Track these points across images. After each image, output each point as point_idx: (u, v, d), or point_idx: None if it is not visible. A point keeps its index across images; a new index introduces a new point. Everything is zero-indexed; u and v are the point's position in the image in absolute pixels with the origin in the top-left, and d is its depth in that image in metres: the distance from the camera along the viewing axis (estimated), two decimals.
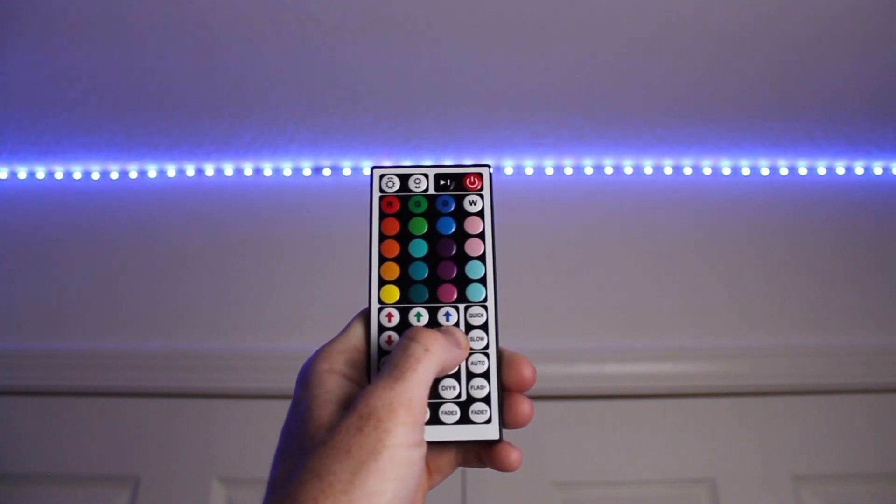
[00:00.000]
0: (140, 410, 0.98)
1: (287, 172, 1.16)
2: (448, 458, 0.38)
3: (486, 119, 1.07)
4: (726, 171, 1.17)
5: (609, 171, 1.17)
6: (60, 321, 1.05)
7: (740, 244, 1.10)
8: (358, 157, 1.15)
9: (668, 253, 1.10)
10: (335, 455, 0.30)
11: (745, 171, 1.17)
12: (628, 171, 1.17)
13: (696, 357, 1.00)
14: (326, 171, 1.16)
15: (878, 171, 1.17)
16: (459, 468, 0.39)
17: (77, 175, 1.17)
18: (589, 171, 1.17)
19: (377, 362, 0.36)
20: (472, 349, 0.36)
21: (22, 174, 1.17)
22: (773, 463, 0.94)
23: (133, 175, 1.17)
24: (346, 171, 1.16)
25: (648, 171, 1.17)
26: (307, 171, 1.16)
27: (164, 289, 1.07)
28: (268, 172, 1.16)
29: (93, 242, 1.11)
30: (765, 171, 1.17)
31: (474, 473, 0.92)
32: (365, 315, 0.38)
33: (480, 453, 0.37)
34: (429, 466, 0.37)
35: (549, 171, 1.17)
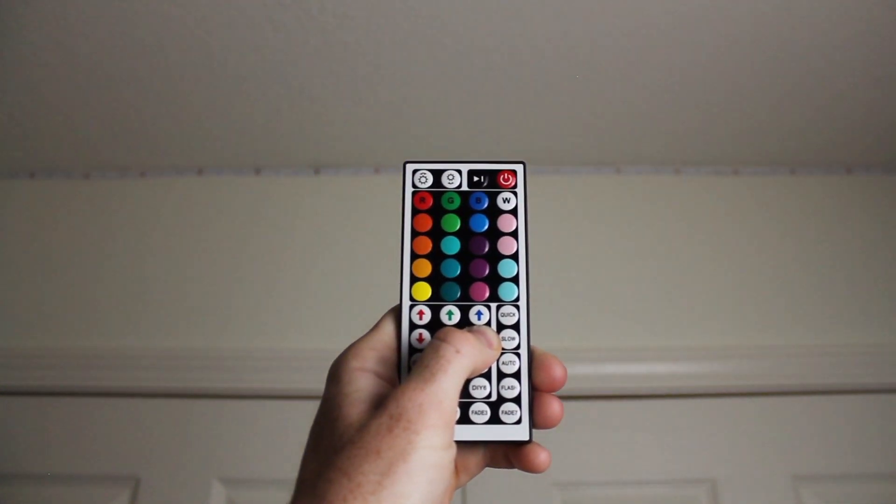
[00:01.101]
0: (140, 410, 0.97)
1: (286, 171, 1.16)
2: (476, 458, 0.38)
3: (488, 120, 1.07)
4: (727, 170, 1.17)
5: (609, 169, 1.17)
6: (60, 321, 1.05)
7: (744, 243, 1.10)
8: (357, 159, 1.15)
9: (669, 253, 1.10)
10: (364, 455, 0.30)
11: (747, 170, 1.17)
12: (629, 169, 1.17)
13: (697, 357, 1.00)
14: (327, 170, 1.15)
15: (878, 170, 1.17)
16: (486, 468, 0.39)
17: (77, 173, 1.17)
18: (588, 169, 1.17)
19: (408, 360, 0.36)
20: (503, 349, 0.36)
21: (21, 173, 1.17)
22: (774, 463, 0.94)
23: (132, 174, 1.17)
24: (357, 171, 1.16)
25: (649, 169, 1.17)
26: (312, 171, 1.16)
27: (165, 288, 1.07)
28: (269, 171, 1.16)
29: (93, 241, 1.11)
30: (766, 170, 1.17)
31: None
32: (396, 312, 0.37)
33: (509, 454, 0.37)
34: (457, 466, 0.37)
35: (549, 170, 1.17)
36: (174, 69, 0.95)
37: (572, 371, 1.14)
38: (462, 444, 0.35)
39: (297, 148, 1.12)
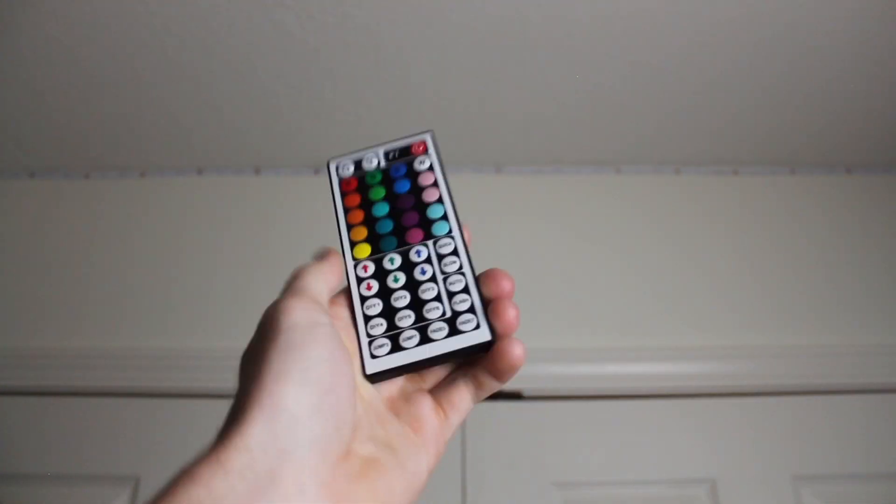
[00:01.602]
0: (140, 410, 0.97)
1: (286, 171, 1.16)
2: (458, 390, 0.37)
3: (488, 120, 1.07)
4: (727, 170, 1.17)
5: (608, 170, 1.17)
6: (60, 320, 1.05)
7: (744, 243, 1.10)
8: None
9: (669, 253, 1.10)
10: (244, 358, 0.33)
11: (747, 170, 1.17)
12: (629, 169, 1.17)
13: (696, 357, 1.00)
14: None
15: (878, 170, 1.17)
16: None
17: (77, 173, 1.17)
18: (588, 169, 1.17)
19: (361, 309, 0.38)
20: (446, 272, 0.38)
21: (21, 173, 1.17)
22: (774, 463, 0.95)
23: (132, 174, 1.17)
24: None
25: (649, 169, 1.17)
26: (306, 171, 1.16)
27: (165, 288, 1.07)
28: (269, 171, 1.16)
29: (93, 241, 1.11)
30: (766, 170, 1.17)
31: (474, 473, 0.92)
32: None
33: (488, 366, 0.36)
34: (442, 407, 0.37)
35: (550, 170, 1.17)
36: (174, 69, 0.95)
37: (572, 371, 1.14)
38: (437, 376, 0.38)
39: (297, 148, 1.12)
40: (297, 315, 0.33)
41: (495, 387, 0.37)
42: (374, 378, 0.36)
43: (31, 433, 0.97)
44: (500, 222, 1.10)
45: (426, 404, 0.36)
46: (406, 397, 0.37)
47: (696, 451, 0.96)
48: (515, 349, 0.35)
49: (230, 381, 1.12)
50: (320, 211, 1.12)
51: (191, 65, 0.94)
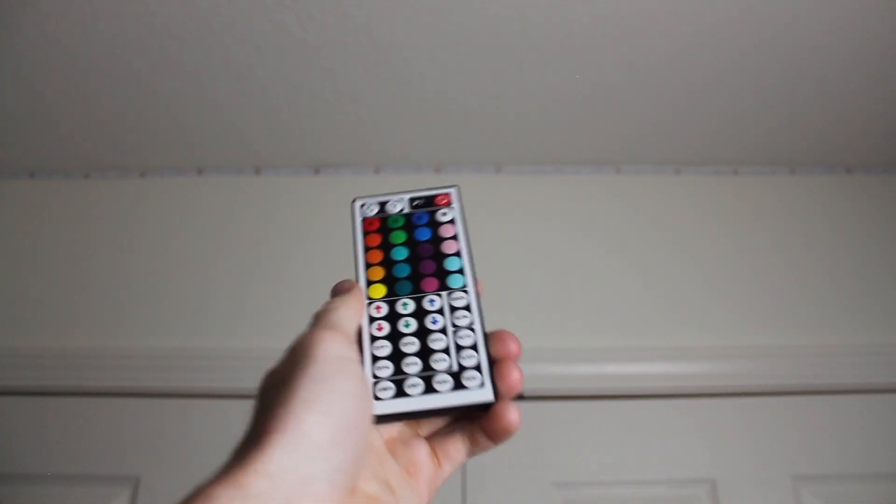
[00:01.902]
0: (141, 410, 0.97)
1: (285, 171, 1.16)
2: (454, 442, 0.38)
3: (488, 121, 1.07)
4: (727, 171, 1.17)
5: (608, 169, 1.17)
6: (60, 320, 1.05)
7: (744, 243, 1.11)
8: (357, 159, 1.15)
9: (669, 252, 1.10)
10: (272, 383, 0.33)
11: (747, 170, 1.17)
12: (629, 169, 1.17)
13: (696, 357, 1.00)
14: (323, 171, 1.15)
15: (878, 170, 1.17)
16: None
17: (76, 173, 1.17)
18: (588, 169, 1.17)
19: (370, 348, 0.39)
20: (457, 326, 0.39)
21: (21, 173, 1.17)
22: (773, 463, 0.95)
23: (132, 174, 1.17)
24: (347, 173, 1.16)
25: (649, 169, 1.17)
26: (306, 171, 1.16)
27: (166, 288, 1.07)
28: (269, 171, 1.16)
29: (93, 241, 1.11)
30: (766, 170, 1.17)
31: (474, 473, 0.92)
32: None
33: (484, 426, 0.37)
34: (437, 455, 0.38)
35: (550, 170, 1.17)
36: (174, 69, 0.95)
37: (572, 371, 1.14)
38: (436, 429, 0.38)
39: (297, 148, 1.12)
40: (332, 348, 0.33)
41: (489, 446, 0.38)
42: (376, 420, 0.36)
43: (31, 433, 0.97)
44: (499, 222, 1.10)
45: (423, 450, 0.38)
46: (404, 441, 0.38)
47: (696, 451, 0.96)
48: (511, 414, 0.36)
49: (229, 381, 1.12)
50: (320, 211, 1.12)
51: (191, 65, 0.94)
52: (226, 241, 1.10)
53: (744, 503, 0.92)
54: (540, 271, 1.07)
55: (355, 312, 0.38)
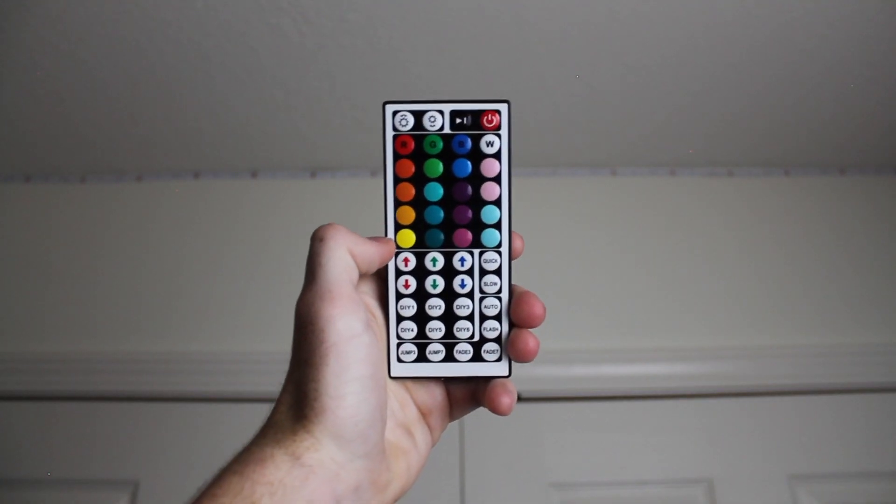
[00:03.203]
0: (140, 414, 0.97)
1: (283, 174, 1.16)
2: (434, 395, 0.39)
3: None
4: (722, 172, 1.18)
5: (604, 171, 1.18)
6: (57, 325, 1.05)
7: (740, 244, 1.11)
8: (354, 162, 1.15)
9: (668, 253, 1.10)
10: (291, 369, 0.34)
11: (742, 171, 1.18)
12: (624, 171, 1.17)
13: (694, 357, 1.00)
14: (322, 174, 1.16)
15: (871, 171, 1.18)
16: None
17: (73, 177, 1.17)
18: (584, 171, 1.18)
19: (395, 307, 0.38)
20: (484, 293, 0.38)
21: (17, 176, 1.17)
22: (770, 463, 0.95)
23: (129, 178, 1.17)
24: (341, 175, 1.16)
25: (645, 171, 1.17)
26: (304, 173, 1.16)
27: (163, 292, 1.07)
28: (266, 174, 1.16)
29: (90, 245, 1.11)
30: (761, 171, 1.18)
31: (473, 474, 0.92)
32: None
33: (478, 392, 0.39)
34: (420, 410, 0.39)
35: (545, 172, 1.17)
36: (171, 73, 0.95)
37: (572, 372, 1.14)
38: (422, 385, 0.39)
39: (295, 151, 1.12)
40: (343, 326, 0.33)
41: (473, 407, 0.40)
42: (397, 379, 0.38)
43: (31, 437, 0.97)
44: None
45: (438, 391, 0.39)
46: (422, 383, 0.39)
47: (693, 451, 0.96)
48: (505, 401, 0.37)
49: (228, 385, 1.12)
50: (319, 213, 1.12)
51: (188, 68, 0.95)
52: (223, 245, 1.10)
53: (741, 503, 0.92)
54: (536, 273, 1.07)
55: (380, 259, 0.37)
